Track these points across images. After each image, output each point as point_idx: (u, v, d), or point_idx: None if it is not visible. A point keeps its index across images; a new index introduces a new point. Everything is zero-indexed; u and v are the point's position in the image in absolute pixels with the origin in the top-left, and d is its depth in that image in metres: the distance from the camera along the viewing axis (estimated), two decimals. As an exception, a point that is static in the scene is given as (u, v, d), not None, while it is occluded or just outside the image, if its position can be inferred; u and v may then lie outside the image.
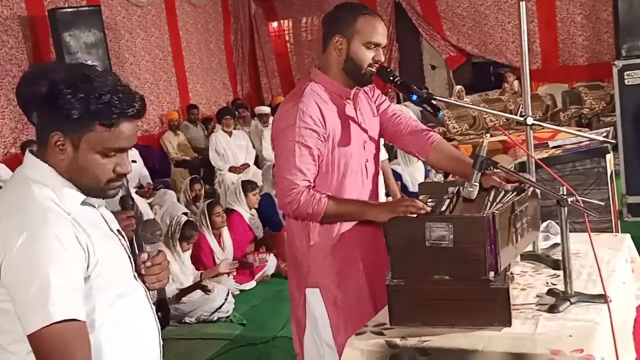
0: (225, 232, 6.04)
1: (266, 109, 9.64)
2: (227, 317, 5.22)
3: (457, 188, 2.33)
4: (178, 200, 7.17)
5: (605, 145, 3.46)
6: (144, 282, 1.79)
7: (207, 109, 11.59)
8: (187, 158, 9.56)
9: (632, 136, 6.20)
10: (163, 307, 1.89)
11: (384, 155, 4.83)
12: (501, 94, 11.14)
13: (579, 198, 2.15)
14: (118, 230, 1.76)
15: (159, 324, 1.80)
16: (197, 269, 5.65)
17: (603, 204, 3.14)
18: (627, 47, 6.28)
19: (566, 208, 2.14)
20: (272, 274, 6.11)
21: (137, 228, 1.92)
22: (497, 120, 9.59)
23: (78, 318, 1.52)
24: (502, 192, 2.27)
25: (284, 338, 4.49)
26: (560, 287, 2.22)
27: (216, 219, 5.92)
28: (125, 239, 1.77)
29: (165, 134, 9.85)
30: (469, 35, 11.81)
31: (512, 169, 2.45)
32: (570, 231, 2.19)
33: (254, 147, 9.03)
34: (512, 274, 2.35)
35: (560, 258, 2.23)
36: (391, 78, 2.45)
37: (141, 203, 6.41)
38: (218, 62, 12.33)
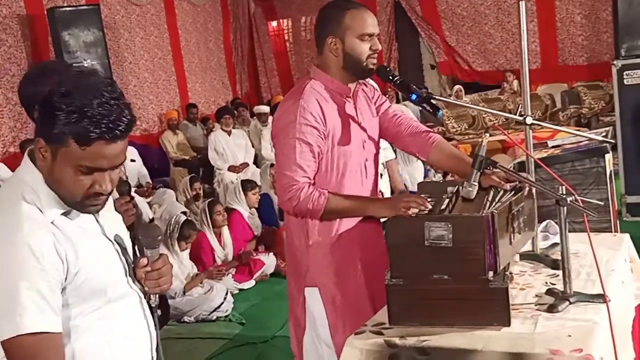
0: (225, 230, 6.03)
1: (265, 109, 9.62)
2: (226, 316, 5.22)
3: (456, 188, 2.33)
4: (177, 199, 7.18)
5: (605, 145, 3.45)
6: (143, 286, 1.77)
7: (207, 108, 11.57)
8: (186, 157, 9.54)
9: (631, 136, 6.20)
10: (163, 304, 1.87)
11: (391, 154, 4.83)
12: (500, 94, 11.13)
13: (578, 198, 2.15)
14: (116, 236, 1.73)
15: (155, 329, 1.78)
16: (198, 268, 5.64)
17: (602, 203, 3.13)
18: (626, 46, 6.27)
19: (565, 208, 2.14)
20: (271, 273, 6.10)
21: (138, 232, 1.90)
22: (497, 119, 9.59)
23: (49, 330, 1.50)
24: (501, 192, 2.26)
25: (283, 337, 4.47)
26: (560, 286, 2.22)
27: (217, 218, 5.93)
28: (120, 244, 1.73)
29: (164, 133, 9.84)
30: (468, 35, 11.79)
31: (511, 169, 2.45)
32: (569, 231, 2.19)
33: (253, 146, 9.02)
34: (511, 273, 2.35)
35: (560, 258, 2.23)
36: (390, 77, 2.45)
37: (140, 202, 6.42)
38: (217, 62, 12.31)
